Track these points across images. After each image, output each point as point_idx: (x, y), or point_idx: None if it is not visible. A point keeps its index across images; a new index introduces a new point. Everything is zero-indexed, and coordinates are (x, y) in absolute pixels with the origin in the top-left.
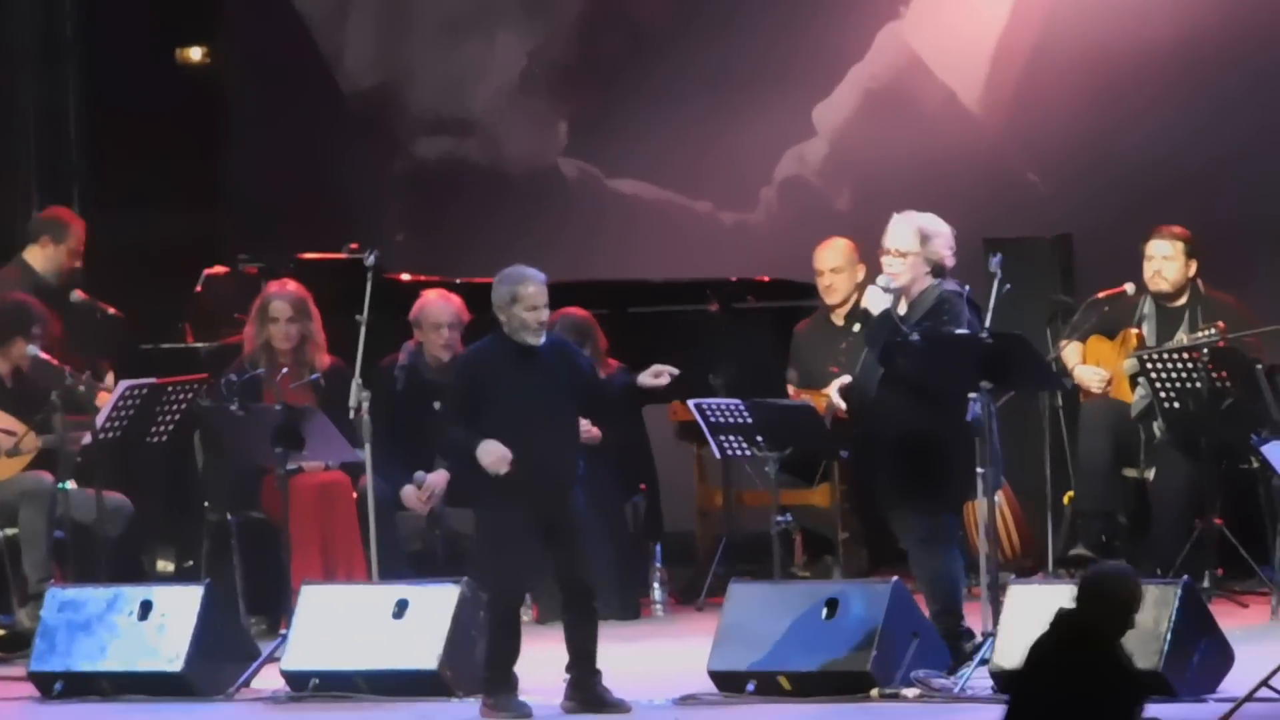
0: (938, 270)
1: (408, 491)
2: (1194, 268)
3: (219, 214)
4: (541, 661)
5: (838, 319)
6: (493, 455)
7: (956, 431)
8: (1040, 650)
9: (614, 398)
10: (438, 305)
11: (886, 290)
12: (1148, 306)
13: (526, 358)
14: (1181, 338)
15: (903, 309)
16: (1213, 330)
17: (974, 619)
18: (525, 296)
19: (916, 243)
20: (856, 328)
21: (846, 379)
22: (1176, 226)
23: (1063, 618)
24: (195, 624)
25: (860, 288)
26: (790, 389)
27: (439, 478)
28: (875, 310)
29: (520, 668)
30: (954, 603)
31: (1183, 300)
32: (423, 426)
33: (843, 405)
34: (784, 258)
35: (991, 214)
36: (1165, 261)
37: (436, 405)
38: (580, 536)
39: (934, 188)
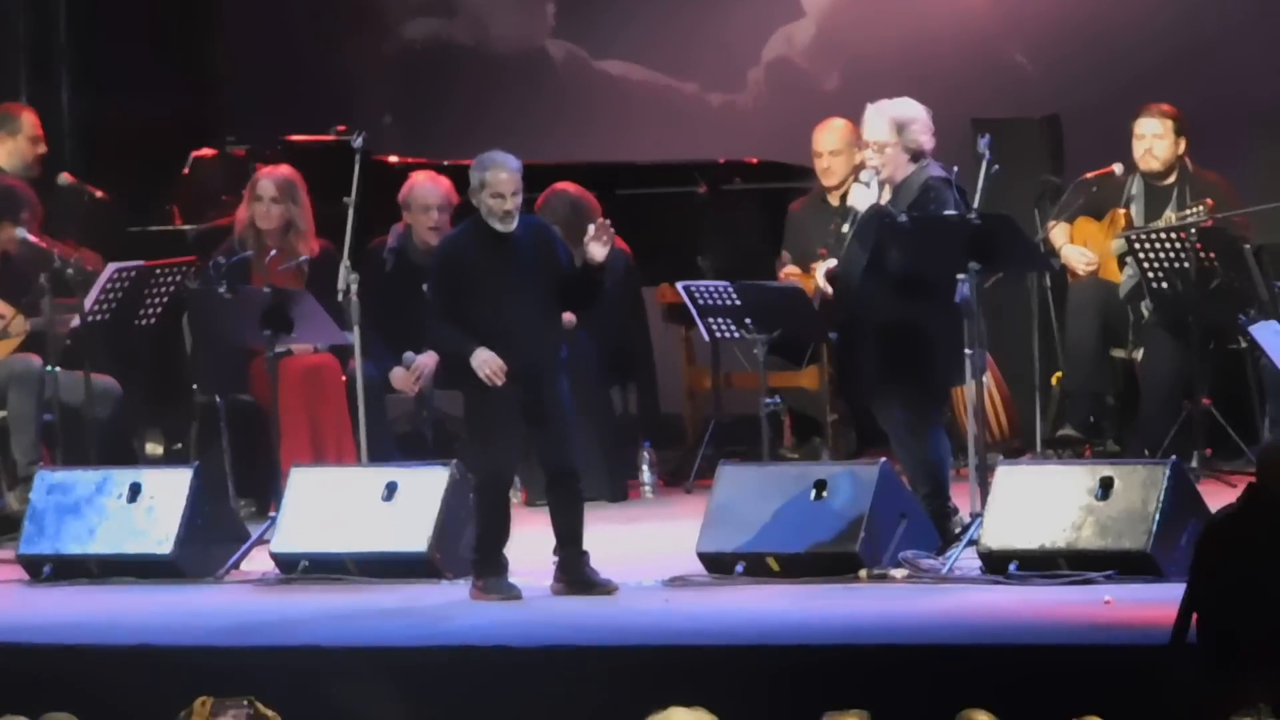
0: (917, 155)
1: (396, 373)
2: (1183, 145)
3: (207, 96)
4: (531, 543)
5: (834, 200)
6: (489, 365)
7: (943, 317)
8: (1222, 522)
9: (587, 287)
10: (426, 187)
11: (869, 185)
12: (1136, 186)
13: (501, 243)
14: (1170, 216)
15: (887, 198)
16: (1200, 208)
17: (961, 500)
18: (492, 183)
19: (892, 133)
20: (846, 229)
21: (833, 263)
22: (1165, 104)
23: (1248, 490)
24: (184, 507)
25: (857, 170)
26: (781, 272)
27: (427, 359)
28: (862, 207)
29: (510, 550)
30: (941, 485)
31: (1171, 179)
32: (411, 309)
33: (829, 290)
34: (771, 139)
35: (980, 95)
36: (1155, 140)
37: (425, 288)
38: (565, 419)
39: (922, 69)
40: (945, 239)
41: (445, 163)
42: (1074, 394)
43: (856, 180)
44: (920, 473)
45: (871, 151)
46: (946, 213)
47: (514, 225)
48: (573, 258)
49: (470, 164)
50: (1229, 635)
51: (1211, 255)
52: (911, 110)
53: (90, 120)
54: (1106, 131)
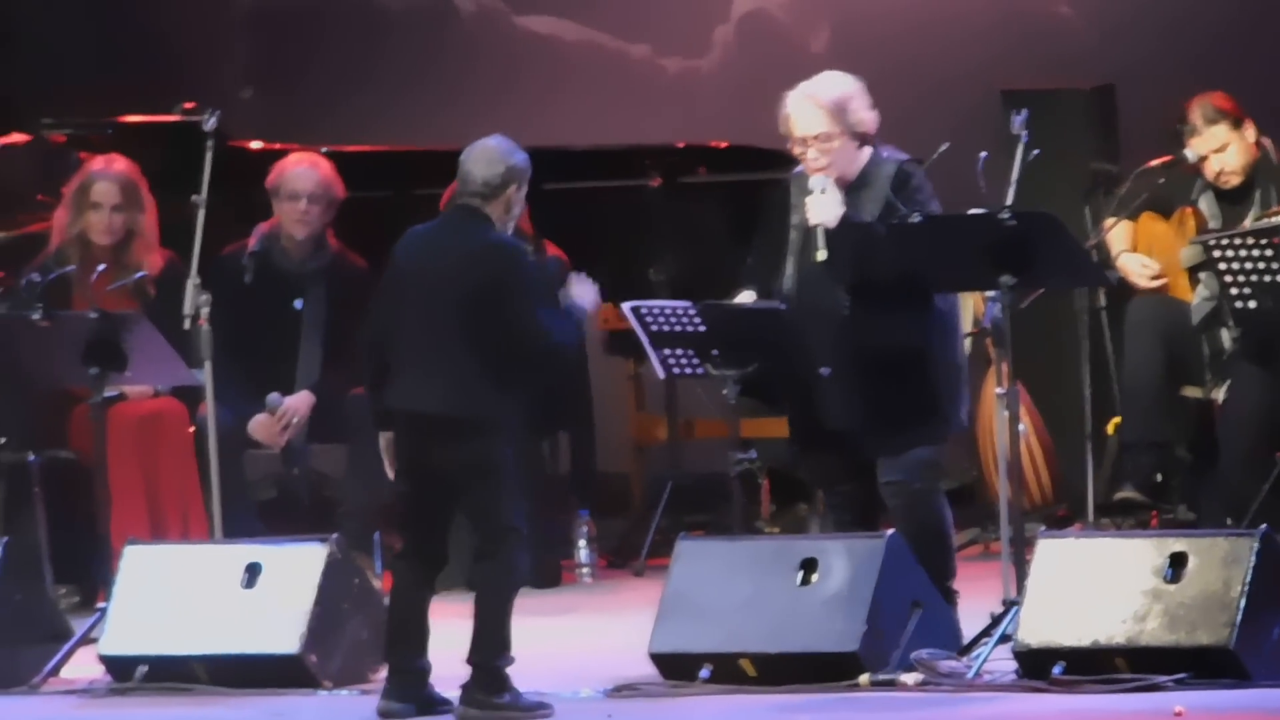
0: (864, 140)
1: (259, 421)
2: (1252, 133)
3: (12, 65)
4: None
5: None
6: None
7: (950, 343)
8: None
9: None
10: (297, 171)
11: (824, 192)
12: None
13: None
14: (1251, 219)
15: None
16: None
17: (992, 583)
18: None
19: (834, 121)
20: (821, 255)
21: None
22: (1213, 98)
23: None
24: None
25: None
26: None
27: (300, 401)
28: (832, 221)
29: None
30: (948, 565)
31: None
32: (280, 334)
33: None
34: (745, 117)
35: (1012, 59)
36: (1217, 156)
37: (298, 305)
38: None
39: (936, 26)
40: (967, 245)
41: (322, 149)
42: (1135, 446)
43: (810, 194)
44: (926, 547)
45: (811, 148)
46: (971, 211)
47: None
48: None
49: (353, 150)
50: None
51: None
52: (844, 84)
53: None
54: (1176, 105)
